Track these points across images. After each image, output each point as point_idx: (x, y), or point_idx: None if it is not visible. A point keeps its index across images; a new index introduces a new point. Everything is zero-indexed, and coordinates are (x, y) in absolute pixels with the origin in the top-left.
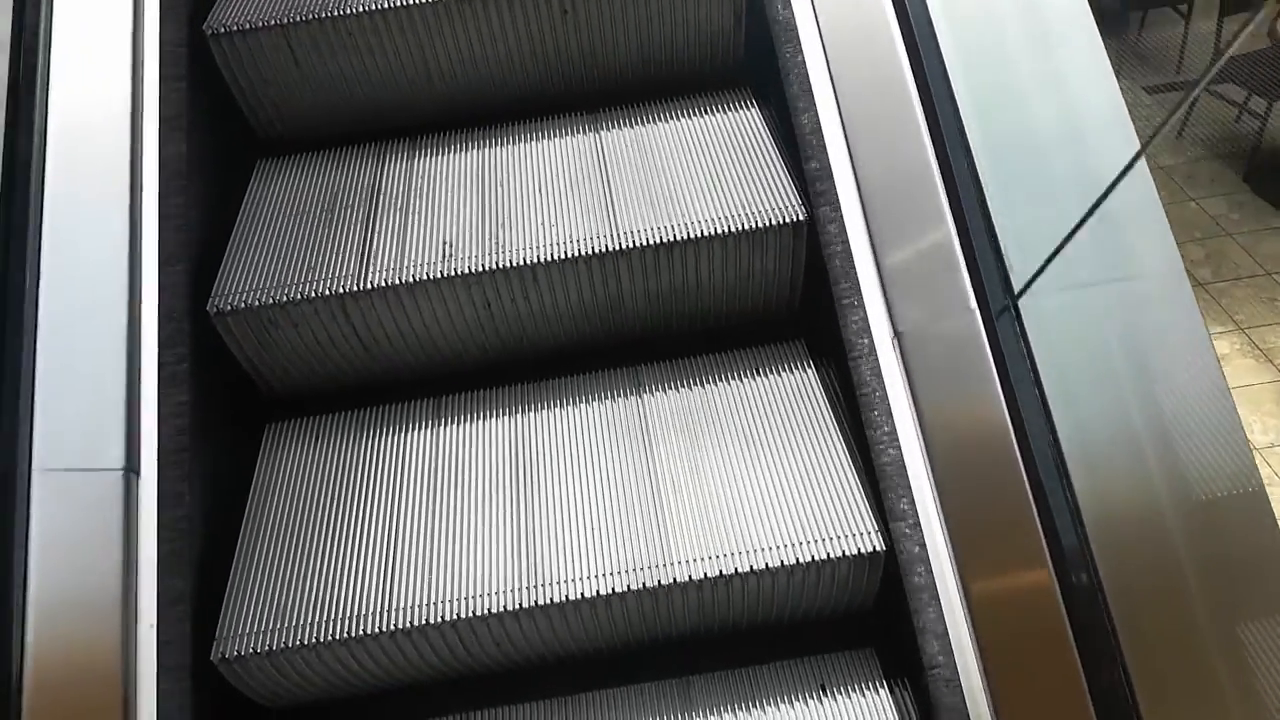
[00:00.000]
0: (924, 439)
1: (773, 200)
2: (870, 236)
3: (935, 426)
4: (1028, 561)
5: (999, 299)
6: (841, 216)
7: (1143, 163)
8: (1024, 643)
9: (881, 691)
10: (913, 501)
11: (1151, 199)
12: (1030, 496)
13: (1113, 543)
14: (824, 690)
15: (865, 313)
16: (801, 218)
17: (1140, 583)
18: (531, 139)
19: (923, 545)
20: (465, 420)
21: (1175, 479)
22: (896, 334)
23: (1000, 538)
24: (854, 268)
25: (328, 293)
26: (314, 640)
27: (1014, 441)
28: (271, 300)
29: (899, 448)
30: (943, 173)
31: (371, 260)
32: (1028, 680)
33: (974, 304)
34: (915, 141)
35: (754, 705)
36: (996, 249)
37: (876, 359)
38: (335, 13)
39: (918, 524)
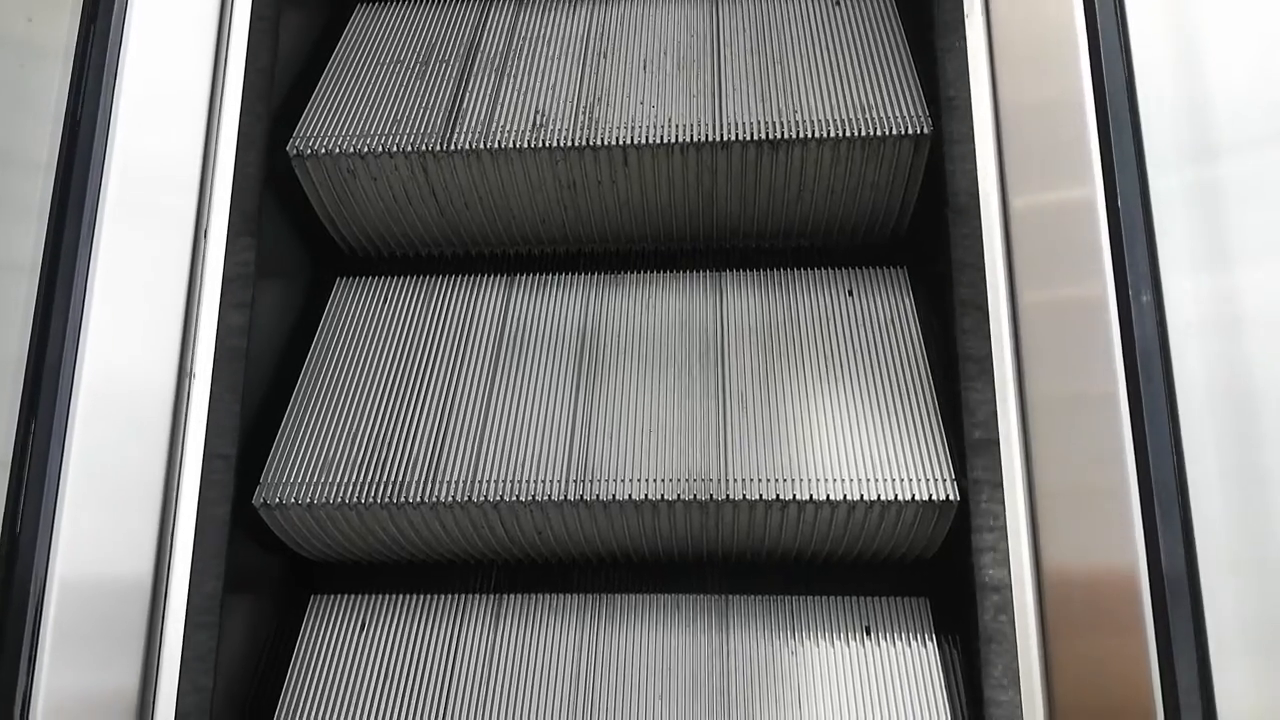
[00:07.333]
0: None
1: (895, 109)
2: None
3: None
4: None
5: None
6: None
7: None
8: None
9: (929, 645)
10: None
11: None
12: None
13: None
14: (867, 633)
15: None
16: (925, 130)
17: None
18: (645, 11)
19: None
20: (535, 303)
21: None
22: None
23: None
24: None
25: (410, 149)
26: (356, 500)
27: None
28: (353, 149)
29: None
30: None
31: (459, 121)
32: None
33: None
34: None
35: (791, 635)
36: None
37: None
38: None
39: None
